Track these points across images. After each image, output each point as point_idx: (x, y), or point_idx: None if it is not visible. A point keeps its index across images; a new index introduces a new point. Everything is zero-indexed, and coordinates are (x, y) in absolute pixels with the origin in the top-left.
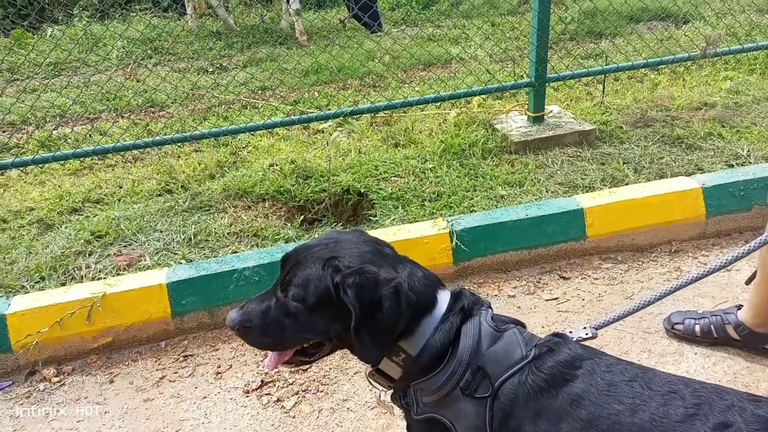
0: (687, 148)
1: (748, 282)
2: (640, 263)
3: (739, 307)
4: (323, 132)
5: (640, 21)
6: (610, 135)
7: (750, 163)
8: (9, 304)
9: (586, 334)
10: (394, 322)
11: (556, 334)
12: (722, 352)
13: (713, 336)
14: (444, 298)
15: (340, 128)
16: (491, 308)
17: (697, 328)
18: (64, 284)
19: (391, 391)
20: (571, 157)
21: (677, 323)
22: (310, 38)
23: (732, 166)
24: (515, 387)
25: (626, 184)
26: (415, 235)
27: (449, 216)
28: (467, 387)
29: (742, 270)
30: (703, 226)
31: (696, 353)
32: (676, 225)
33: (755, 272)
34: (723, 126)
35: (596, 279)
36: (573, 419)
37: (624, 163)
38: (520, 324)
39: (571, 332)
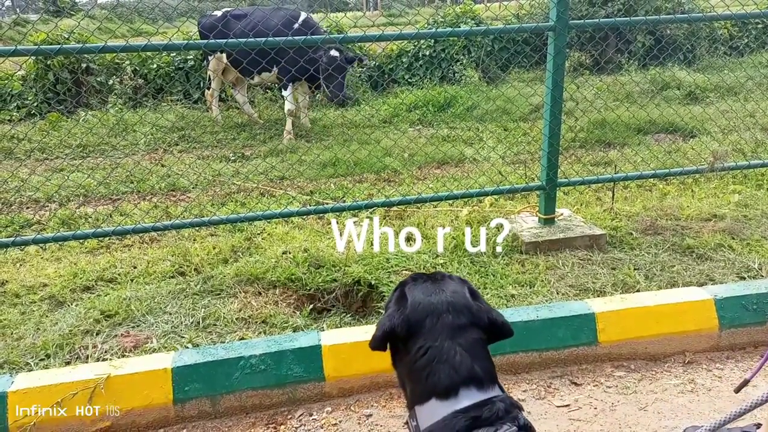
0: (697, 258)
1: (737, 390)
2: (654, 373)
3: (758, 425)
4: (338, 223)
5: (648, 133)
6: (620, 241)
7: (762, 276)
8: (12, 382)
9: None
10: (377, 332)
11: None
12: None
13: None
14: (469, 396)
15: (357, 221)
16: (525, 429)
17: None
18: (68, 363)
19: None
20: (581, 260)
21: None
22: (308, 136)
23: (744, 278)
24: None
25: (638, 290)
26: None
27: None
28: None
29: (759, 386)
30: (716, 338)
31: None
32: (690, 335)
33: (745, 380)
34: (733, 238)
35: (609, 387)
36: None
37: (635, 269)
38: None
39: None
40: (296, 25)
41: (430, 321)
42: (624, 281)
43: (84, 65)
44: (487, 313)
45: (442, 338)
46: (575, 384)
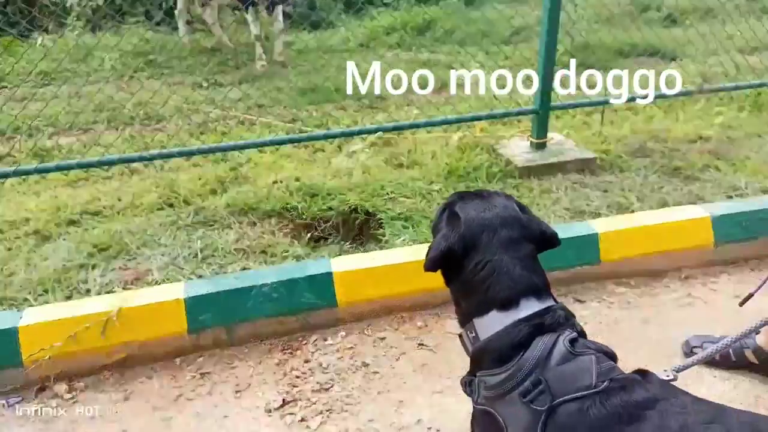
0: (685, 179)
1: (742, 304)
2: (653, 288)
3: (758, 332)
4: (337, 151)
5: (629, 56)
6: (611, 164)
7: (748, 194)
8: (20, 317)
9: (667, 376)
10: (434, 254)
11: (639, 371)
12: (741, 375)
13: (731, 360)
14: (529, 306)
15: (367, 150)
16: (581, 334)
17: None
18: (69, 297)
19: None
20: (574, 183)
21: (696, 347)
22: (283, 64)
23: (731, 197)
24: (575, 413)
25: (632, 211)
26: None
27: None
28: (525, 394)
29: (754, 298)
30: (711, 254)
31: (715, 376)
32: (687, 252)
33: (750, 294)
34: (719, 159)
35: (612, 303)
36: None
37: (628, 190)
38: (610, 356)
39: None
40: None
41: (486, 236)
42: (618, 202)
43: None
44: (537, 225)
45: (500, 252)
46: (579, 301)
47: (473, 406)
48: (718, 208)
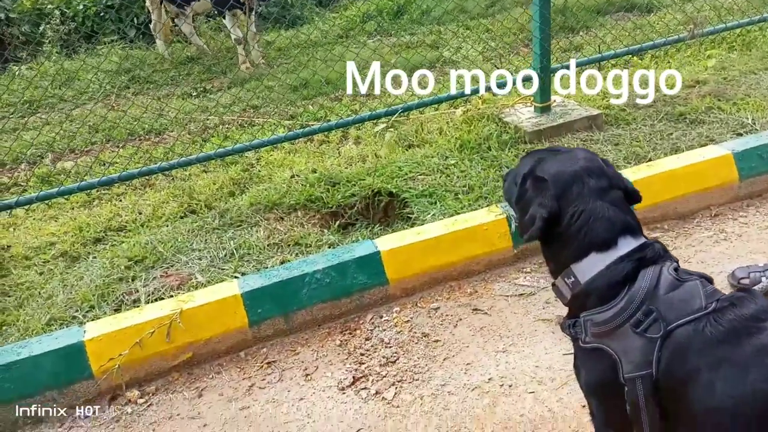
0: (692, 123)
1: None
2: (686, 230)
3: None
4: (343, 140)
5: (608, 13)
6: (616, 118)
7: (757, 130)
8: (84, 331)
9: None
10: (527, 226)
11: (742, 289)
12: None
13: None
14: (627, 244)
15: (391, 129)
16: (678, 264)
17: (764, 279)
18: (118, 310)
19: (562, 320)
20: (584, 141)
21: (743, 278)
22: (269, 64)
23: (740, 134)
24: (690, 334)
25: (649, 160)
26: (474, 223)
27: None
28: (638, 325)
29: None
30: (736, 189)
31: None
32: (713, 191)
33: None
34: (719, 100)
35: None
36: (763, 368)
37: (639, 141)
38: (707, 279)
39: None
40: None
41: (576, 188)
42: (634, 153)
43: (2, 15)
44: (621, 178)
45: (592, 200)
46: None
47: (578, 347)
48: (737, 144)
